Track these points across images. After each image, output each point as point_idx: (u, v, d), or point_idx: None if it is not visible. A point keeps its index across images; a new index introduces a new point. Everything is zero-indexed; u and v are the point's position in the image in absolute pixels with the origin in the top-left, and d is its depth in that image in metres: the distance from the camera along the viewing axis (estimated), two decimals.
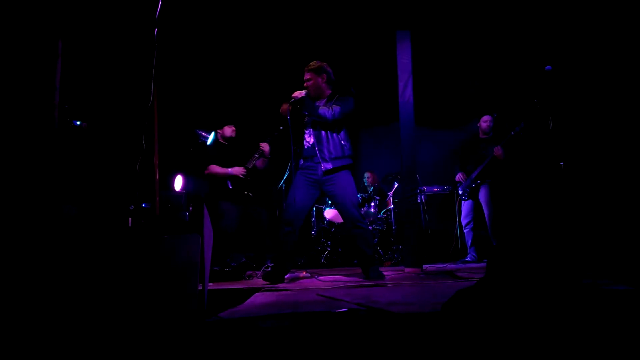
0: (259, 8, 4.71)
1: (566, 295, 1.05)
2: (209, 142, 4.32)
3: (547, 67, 3.51)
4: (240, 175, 4.06)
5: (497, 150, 4.60)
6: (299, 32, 5.14)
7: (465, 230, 4.88)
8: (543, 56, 4.50)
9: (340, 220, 5.39)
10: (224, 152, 4.21)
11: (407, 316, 1.63)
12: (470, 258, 4.80)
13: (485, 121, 4.89)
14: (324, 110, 3.35)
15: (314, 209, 5.76)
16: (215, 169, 4.10)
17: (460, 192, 4.91)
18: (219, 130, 4.27)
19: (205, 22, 4.91)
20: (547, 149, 3.98)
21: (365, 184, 5.78)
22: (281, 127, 3.97)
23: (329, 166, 3.35)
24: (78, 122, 3.05)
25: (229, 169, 4.07)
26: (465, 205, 4.87)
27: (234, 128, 4.29)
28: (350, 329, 1.49)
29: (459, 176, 4.89)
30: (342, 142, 3.42)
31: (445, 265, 4.41)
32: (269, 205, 4.40)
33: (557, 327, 0.98)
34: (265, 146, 4.06)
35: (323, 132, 3.41)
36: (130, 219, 3.69)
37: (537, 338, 0.98)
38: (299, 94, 3.38)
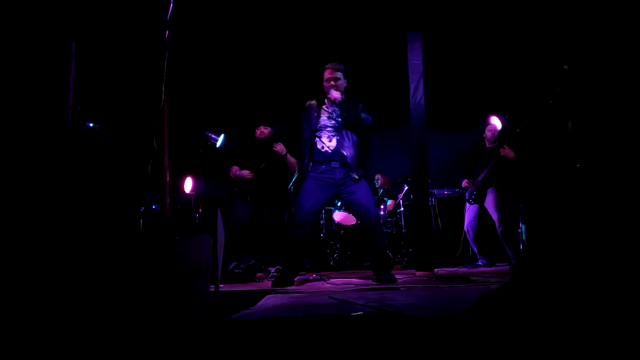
0: (270, 9, 4.72)
1: (601, 301, 1.02)
2: (218, 144, 4.33)
3: (564, 67, 3.46)
4: (248, 177, 4.14)
5: (504, 149, 4.47)
6: (308, 32, 5.13)
7: (469, 238, 4.79)
8: (556, 57, 4.42)
9: (349, 222, 5.35)
10: (255, 152, 4.29)
11: (424, 320, 1.60)
12: (481, 262, 4.73)
13: (490, 130, 4.78)
14: (366, 114, 3.34)
15: (323, 211, 5.73)
16: (233, 169, 4.27)
17: (467, 197, 4.82)
18: (263, 129, 4.30)
19: (216, 24, 4.92)
20: (562, 150, 3.91)
21: (376, 186, 5.74)
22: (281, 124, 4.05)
23: (361, 172, 3.36)
24: (91, 124, 3.05)
25: (238, 172, 4.21)
26: (470, 211, 4.77)
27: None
28: (366, 332, 1.47)
29: (464, 182, 4.81)
30: (361, 147, 3.43)
31: (456, 269, 4.36)
32: (280, 210, 4.42)
33: (591, 333, 0.95)
34: (277, 145, 4.05)
35: (349, 136, 3.37)
36: (141, 220, 3.70)
37: (568, 342, 0.95)
38: (338, 95, 3.29)
